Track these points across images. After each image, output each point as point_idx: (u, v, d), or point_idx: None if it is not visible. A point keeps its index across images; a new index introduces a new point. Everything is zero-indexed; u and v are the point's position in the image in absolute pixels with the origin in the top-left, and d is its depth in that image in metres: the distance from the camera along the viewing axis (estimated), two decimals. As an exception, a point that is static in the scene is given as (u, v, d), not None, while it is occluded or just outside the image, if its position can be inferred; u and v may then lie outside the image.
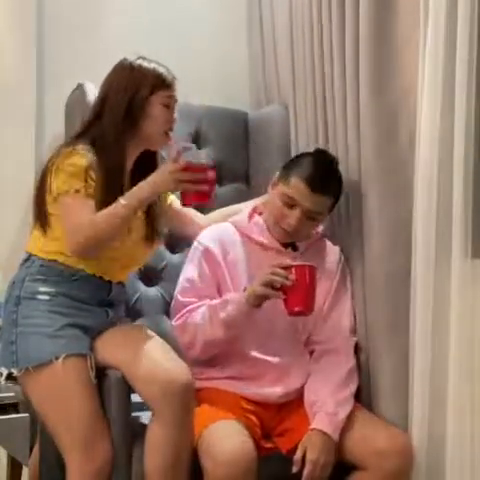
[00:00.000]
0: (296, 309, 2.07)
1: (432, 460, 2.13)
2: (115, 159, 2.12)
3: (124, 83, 2.15)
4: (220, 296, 2.24)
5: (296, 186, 2.22)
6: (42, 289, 2.11)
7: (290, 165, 2.31)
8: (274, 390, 2.22)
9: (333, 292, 2.31)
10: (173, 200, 2.39)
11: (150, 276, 2.60)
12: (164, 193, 2.19)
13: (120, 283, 2.24)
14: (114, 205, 2.03)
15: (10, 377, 2.51)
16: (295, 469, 2.06)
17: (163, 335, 2.24)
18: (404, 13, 2.21)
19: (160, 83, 2.17)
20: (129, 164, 2.19)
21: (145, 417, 2.10)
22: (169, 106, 2.19)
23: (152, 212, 2.21)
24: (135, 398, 2.09)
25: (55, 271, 2.12)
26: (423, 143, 2.14)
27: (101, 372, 2.09)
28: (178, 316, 2.23)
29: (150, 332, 2.17)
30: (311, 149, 2.45)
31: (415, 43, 2.17)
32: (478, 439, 2.07)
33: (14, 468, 2.64)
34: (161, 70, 2.19)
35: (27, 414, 2.49)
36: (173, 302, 2.29)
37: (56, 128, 2.72)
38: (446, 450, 2.10)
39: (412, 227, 2.18)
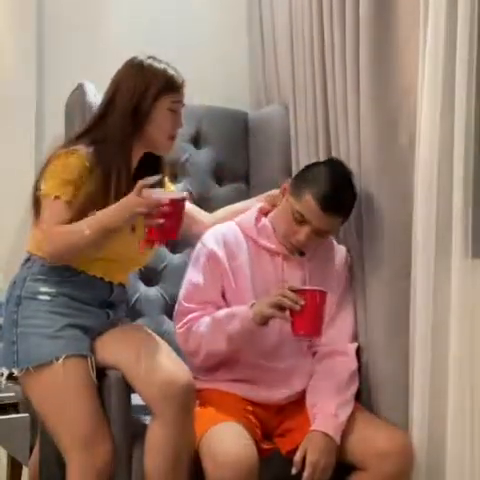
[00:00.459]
0: (303, 333, 2.04)
1: (432, 460, 2.13)
2: (120, 160, 2.11)
3: (132, 83, 2.13)
4: (225, 300, 2.23)
5: (308, 204, 2.16)
6: (43, 289, 2.11)
7: (303, 178, 2.24)
8: (277, 393, 2.22)
9: (339, 294, 2.30)
10: None
11: (150, 276, 2.60)
12: (125, 224, 2.06)
13: (121, 284, 2.24)
14: (79, 225, 2.01)
15: (11, 377, 2.51)
16: (295, 471, 2.05)
17: (163, 335, 2.25)
18: (404, 13, 2.21)
19: (168, 86, 2.15)
20: (133, 165, 2.18)
21: (145, 417, 2.09)
22: (176, 111, 2.17)
23: None
24: (136, 401, 2.09)
25: (56, 271, 2.11)
26: (423, 143, 2.14)
27: (101, 372, 2.09)
28: (181, 323, 2.22)
29: (150, 332, 2.17)
30: (311, 149, 2.45)
31: (415, 43, 2.17)
32: (478, 439, 2.07)
33: (14, 468, 2.64)
34: (171, 72, 2.17)
35: (27, 414, 2.49)
36: (177, 306, 2.28)
37: (56, 128, 2.72)
38: (446, 450, 2.10)
39: (412, 227, 2.18)
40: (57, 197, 2.06)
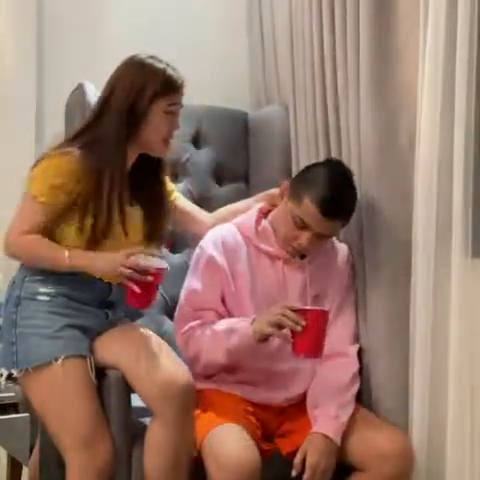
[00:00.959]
0: (303, 354, 2.01)
1: (432, 461, 2.13)
2: (114, 162, 2.10)
3: (129, 82, 2.11)
4: (225, 305, 2.22)
5: (308, 209, 2.12)
6: (42, 290, 2.10)
7: (301, 180, 2.19)
8: (278, 394, 2.22)
9: (341, 296, 2.29)
10: (177, 197, 2.38)
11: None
12: (102, 276, 2.11)
13: (120, 284, 2.23)
14: (58, 249, 2.06)
15: (10, 378, 2.52)
16: (295, 473, 2.05)
17: (163, 335, 2.25)
18: (404, 13, 2.21)
19: (166, 87, 2.12)
20: (128, 166, 2.17)
21: (145, 419, 2.09)
22: (172, 113, 2.15)
23: (151, 211, 2.20)
24: (136, 402, 2.09)
25: (55, 271, 2.12)
26: (423, 143, 2.14)
27: (101, 372, 2.09)
28: (182, 331, 2.21)
29: (150, 332, 2.16)
30: (311, 149, 2.44)
31: (415, 43, 2.17)
32: (478, 440, 2.07)
33: (14, 468, 2.64)
34: (170, 72, 2.14)
35: (27, 414, 2.49)
36: (177, 312, 2.27)
37: (56, 128, 2.72)
38: (446, 451, 2.10)
39: (412, 227, 2.18)
40: (34, 197, 2.07)
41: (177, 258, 2.65)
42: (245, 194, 2.73)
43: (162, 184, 2.26)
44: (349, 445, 2.11)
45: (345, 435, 2.11)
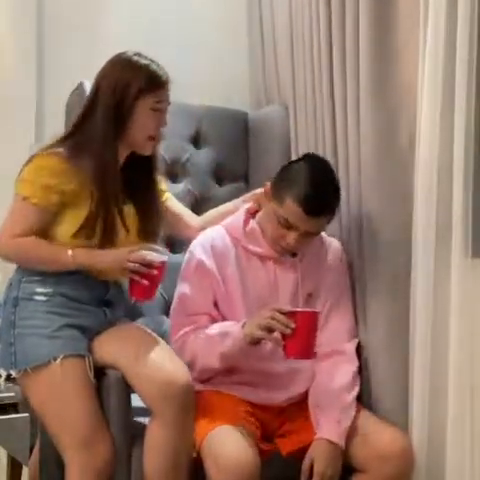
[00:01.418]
0: (294, 356, 2.00)
1: (432, 461, 2.13)
2: (105, 162, 2.09)
3: (113, 79, 2.10)
4: (217, 309, 2.21)
5: (291, 209, 2.09)
6: (39, 290, 2.10)
7: (282, 179, 2.16)
8: (278, 395, 2.21)
9: (335, 291, 2.28)
10: (169, 197, 2.38)
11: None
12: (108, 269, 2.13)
13: (117, 282, 2.23)
14: (59, 249, 2.07)
15: (9, 378, 2.52)
16: (303, 479, 2.06)
17: (163, 335, 2.24)
18: (404, 13, 2.21)
19: (151, 84, 2.11)
20: (120, 165, 2.16)
21: (145, 419, 2.09)
22: (159, 110, 2.14)
23: (144, 207, 2.20)
24: (136, 402, 2.09)
25: (51, 271, 2.12)
26: (423, 143, 2.14)
27: (100, 372, 2.09)
28: (177, 337, 2.20)
29: (150, 332, 2.16)
30: (311, 149, 2.44)
31: (415, 43, 2.17)
32: (478, 440, 2.07)
33: (14, 468, 2.65)
34: (153, 68, 2.13)
35: (27, 414, 2.49)
36: (170, 318, 2.27)
37: (56, 128, 2.70)
38: (446, 451, 2.10)
39: (412, 227, 2.18)
40: (25, 198, 2.06)
41: (177, 258, 2.64)
42: (245, 194, 2.73)
43: (154, 182, 2.26)
44: (349, 446, 2.11)
45: (347, 436, 2.10)
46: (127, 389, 2.07)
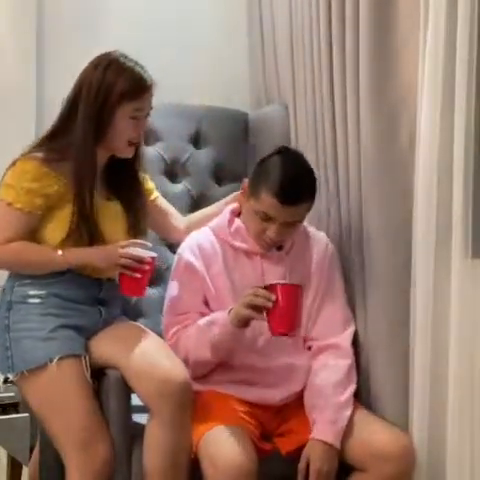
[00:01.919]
0: (279, 330, 2.01)
1: (432, 461, 2.13)
2: (83, 166, 2.09)
3: (96, 85, 2.08)
4: (208, 308, 2.22)
5: (267, 202, 2.12)
6: (32, 292, 2.11)
7: (256, 175, 2.19)
8: (275, 393, 2.21)
9: (324, 283, 2.28)
10: (157, 196, 2.38)
11: (152, 276, 2.60)
12: (99, 263, 2.13)
13: (110, 280, 2.22)
14: (49, 250, 2.07)
15: (7, 382, 2.52)
16: (300, 478, 2.07)
17: (162, 335, 2.24)
18: (404, 13, 2.21)
19: (134, 88, 2.09)
20: (100, 168, 2.17)
21: (143, 417, 2.08)
22: (138, 118, 2.13)
23: (129, 203, 2.21)
24: (136, 401, 2.09)
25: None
26: (423, 143, 2.13)
27: (99, 372, 2.09)
28: (169, 337, 2.21)
29: (147, 330, 2.17)
30: (311, 149, 2.44)
31: (415, 43, 2.17)
32: (478, 440, 2.07)
33: (14, 468, 2.64)
34: (138, 72, 2.11)
35: (27, 414, 2.49)
36: (163, 321, 2.28)
37: (56, 128, 2.72)
38: (446, 451, 2.10)
39: (412, 227, 2.18)
40: (9, 204, 2.06)
41: (177, 258, 2.64)
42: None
43: (138, 180, 2.26)
44: (349, 446, 2.11)
45: (345, 436, 2.11)
46: (127, 389, 2.07)
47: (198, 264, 2.23)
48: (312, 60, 2.51)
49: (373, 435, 2.11)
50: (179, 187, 2.74)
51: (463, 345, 2.08)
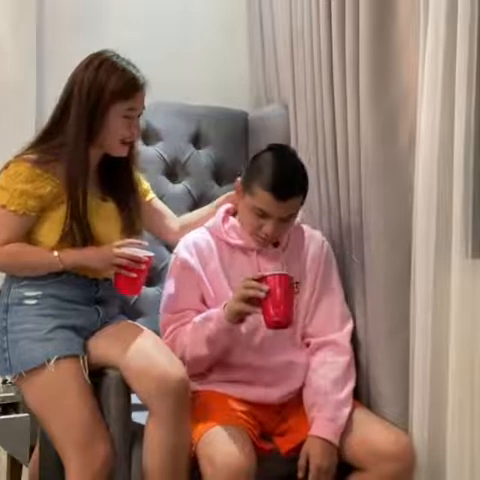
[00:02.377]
0: (274, 319, 2.01)
1: (432, 461, 2.13)
2: (76, 166, 2.09)
3: (88, 84, 2.08)
4: (205, 305, 2.22)
5: (262, 197, 2.15)
6: (28, 294, 2.11)
7: (250, 173, 2.22)
8: (274, 392, 2.21)
9: (320, 279, 2.29)
10: (153, 197, 2.39)
11: (150, 275, 2.60)
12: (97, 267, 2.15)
13: (107, 279, 2.22)
14: (45, 251, 2.07)
15: (5, 383, 2.52)
16: (300, 475, 2.07)
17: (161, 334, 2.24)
18: (404, 13, 2.21)
19: (127, 88, 2.10)
20: (93, 167, 2.17)
21: (142, 417, 2.08)
22: (131, 117, 2.13)
23: (126, 205, 2.22)
24: (135, 400, 2.09)
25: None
26: (423, 143, 2.14)
27: (99, 372, 2.09)
28: (165, 335, 2.22)
29: (145, 329, 2.17)
30: (311, 149, 2.44)
31: (415, 43, 2.17)
32: (478, 440, 2.07)
33: (14, 468, 2.64)
34: (130, 71, 2.11)
35: (27, 414, 2.49)
36: (160, 321, 2.28)
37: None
38: (446, 450, 2.10)
39: (412, 227, 2.18)
40: (3, 206, 2.06)
41: (177, 258, 2.64)
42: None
43: (132, 179, 2.26)
44: (349, 445, 2.11)
45: (345, 435, 2.11)
46: (127, 389, 2.07)
47: (194, 262, 2.24)
48: (312, 60, 2.51)
49: (373, 435, 2.11)
50: (179, 187, 2.74)
51: (463, 344, 2.08)
